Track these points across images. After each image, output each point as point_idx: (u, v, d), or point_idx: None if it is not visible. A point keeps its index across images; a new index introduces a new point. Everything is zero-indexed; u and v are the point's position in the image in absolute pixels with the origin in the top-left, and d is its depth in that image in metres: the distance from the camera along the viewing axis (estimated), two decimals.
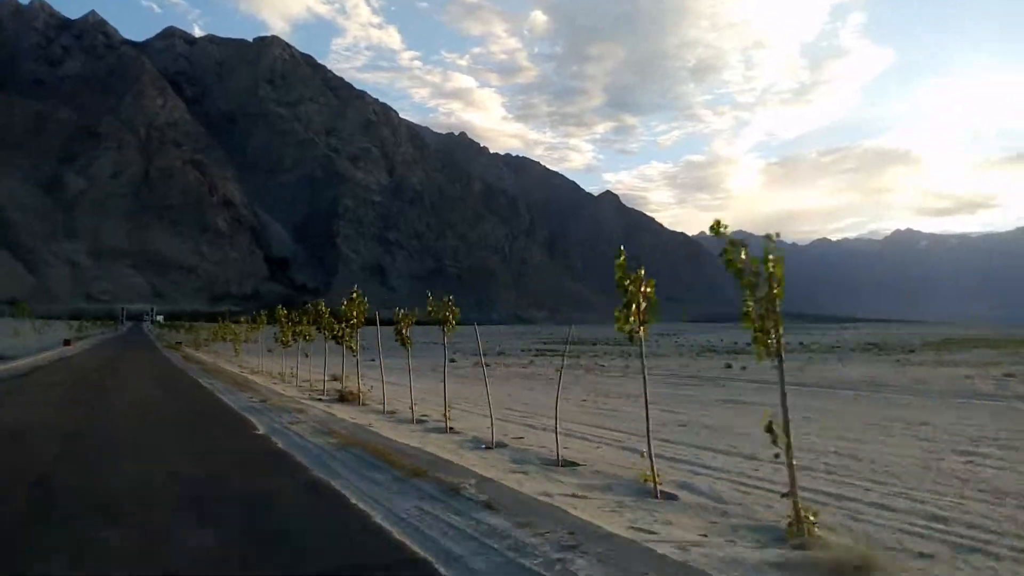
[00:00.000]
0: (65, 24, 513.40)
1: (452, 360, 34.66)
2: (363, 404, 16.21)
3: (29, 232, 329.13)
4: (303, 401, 16.68)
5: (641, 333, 7.53)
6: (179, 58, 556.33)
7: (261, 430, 12.11)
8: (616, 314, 7.60)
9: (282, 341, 23.59)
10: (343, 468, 8.76)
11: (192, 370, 29.28)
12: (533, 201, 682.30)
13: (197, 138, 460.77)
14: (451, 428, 11.99)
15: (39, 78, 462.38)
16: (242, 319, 39.17)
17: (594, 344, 75.37)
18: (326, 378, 21.08)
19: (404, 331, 13.58)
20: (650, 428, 7.71)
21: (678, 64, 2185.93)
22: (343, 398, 17.03)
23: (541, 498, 6.95)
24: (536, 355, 52.00)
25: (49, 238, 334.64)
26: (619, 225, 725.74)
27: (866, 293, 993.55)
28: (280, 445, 10.56)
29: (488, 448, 10.23)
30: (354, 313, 16.08)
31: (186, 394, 19.60)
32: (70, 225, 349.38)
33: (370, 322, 16.92)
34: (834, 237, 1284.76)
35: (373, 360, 22.92)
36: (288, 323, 23.54)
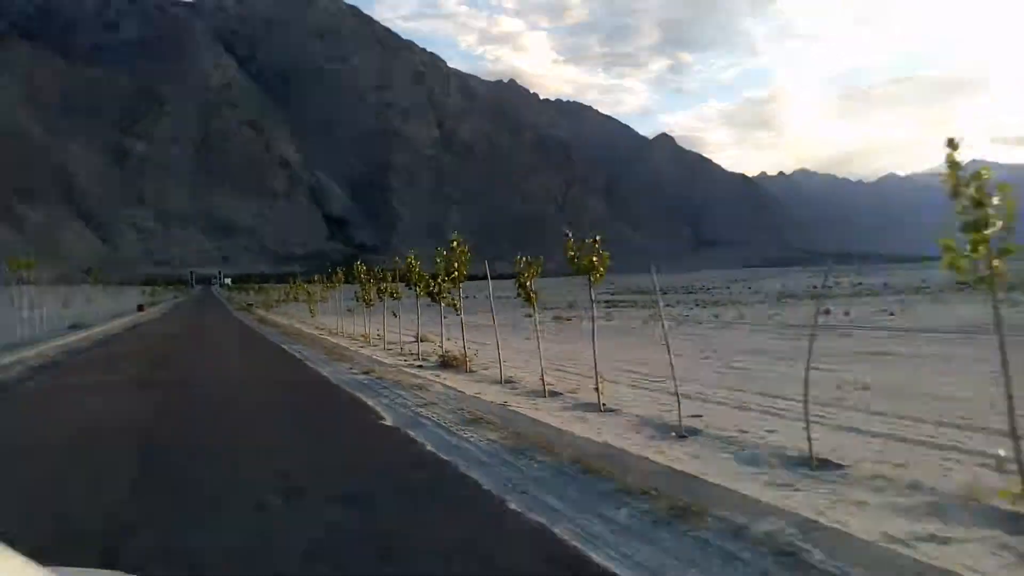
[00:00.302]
0: None
1: (528, 316, 31.59)
2: (469, 371, 14.00)
3: (99, 201, 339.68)
4: (410, 371, 14.51)
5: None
6: (230, 17, 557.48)
7: (388, 420, 9.47)
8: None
9: (364, 300, 21.36)
10: (557, 498, 5.69)
11: (272, 334, 27.89)
12: (587, 148, 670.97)
13: (251, 98, 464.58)
14: (604, 404, 9.40)
15: (97, 44, 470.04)
16: (315, 278, 35.40)
17: (664, 293, 72.47)
18: (418, 340, 19.45)
19: (528, 284, 11.79)
20: (809, 396, 6.43)
21: None
22: (446, 364, 14.89)
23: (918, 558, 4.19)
24: (609, 306, 47.43)
25: (118, 205, 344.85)
26: (676, 169, 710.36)
27: (938, 230, 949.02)
28: (429, 447, 7.76)
29: (681, 437, 7.55)
30: (455, 266, 14.32)
31: (278, 365, 17.73)
32: (136, 192, 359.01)
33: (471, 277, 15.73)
34: (902, 172, 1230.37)
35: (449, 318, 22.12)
36: (369, 281, 21.49)
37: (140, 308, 55.12)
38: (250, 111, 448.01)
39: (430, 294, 15.22)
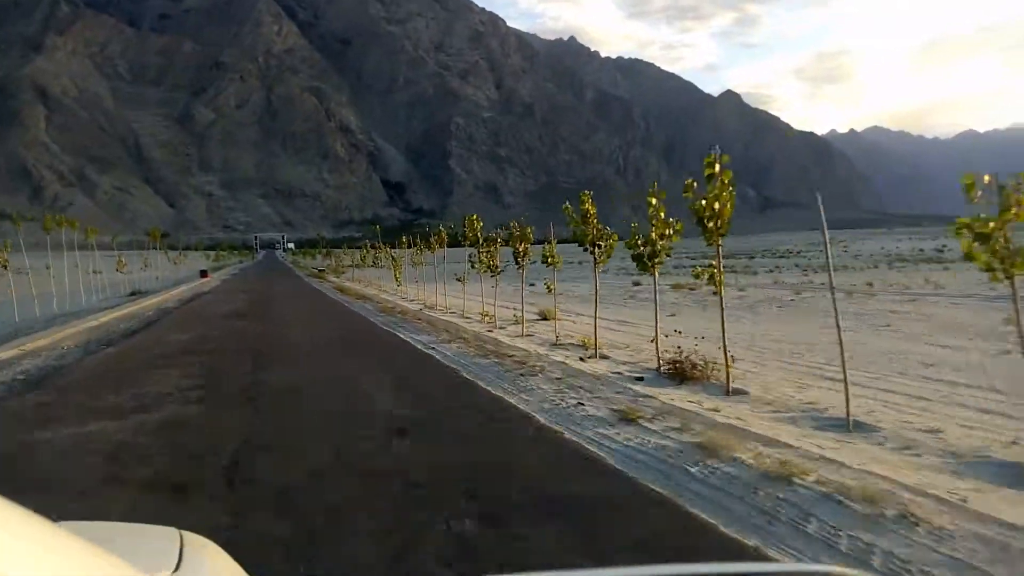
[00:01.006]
0: None
1: (636, 285, 30.56)
2: (733, 391, 8.14)
3: (167, 167, 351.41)
4: (604, 373, 9.50)
5: None
6: None
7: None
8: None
9: (488, 266, 17.38)
10: None
11: (365, 309, 21.88)
12: (648, 107, 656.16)
13: (313, 63, 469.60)
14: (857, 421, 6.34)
15: (164, 13, 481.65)
16: (403, 240, 31.03)
17: (751, 258, 69.06)
18: (545, 321, 15.88)
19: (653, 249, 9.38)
20: None
21: None
22: (679, 373, 9.03)
23: None
24: (663, 273, 45.80)
25: (185, 171, 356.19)
26: (742, 127, 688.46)
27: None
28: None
29: None
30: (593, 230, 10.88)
31: (407, 367, 11.22)
32: (203, 157, 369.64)
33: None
34: (982, 129, 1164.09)
35: (534, 285, 19.37)
36: (485, 245, 17.61)
37: (203, 274, 49.52)
38: (311, 77, 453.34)
39: (638, 258, 9.99)
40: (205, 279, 45.13)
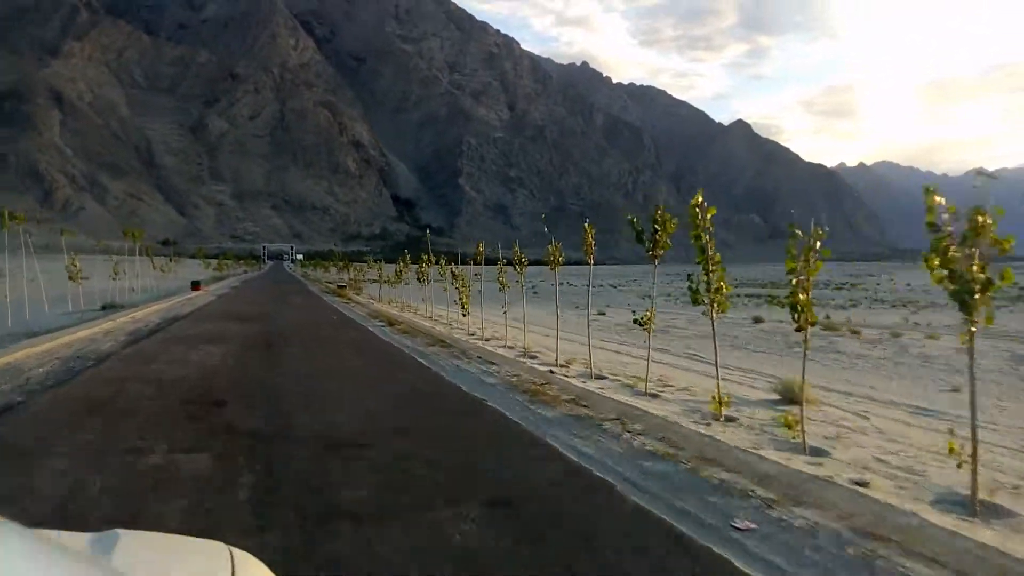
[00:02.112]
0: None
1: (597, 313, 28.63)
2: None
3: (179, 175, 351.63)
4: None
5: None
6: None
7: None
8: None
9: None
10: None
11: (441, 362, 12.92)
12: (658, 133, 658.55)
13: (327, 78, 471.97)
14: None
15: (182, 23, 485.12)
16: (425, 257, 25.23)
17: (763, 286, 66.93)
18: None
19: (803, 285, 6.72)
20: None
21: None
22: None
23: None
24: (746, 300, 41.89)
25: (196, 180, 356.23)
26: (751, 157, 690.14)
27: None
28: None
29: None
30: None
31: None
32: (214, 167, 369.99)
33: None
34: (991, 167, 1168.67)
35: (603, 315, 24.61)
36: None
37: (195, 286, 39.26)
38: (325, 91, 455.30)
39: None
40: (196, 292, 37.42)
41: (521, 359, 12.76)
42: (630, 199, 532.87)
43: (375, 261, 41.26)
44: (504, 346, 14.88)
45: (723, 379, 8.85)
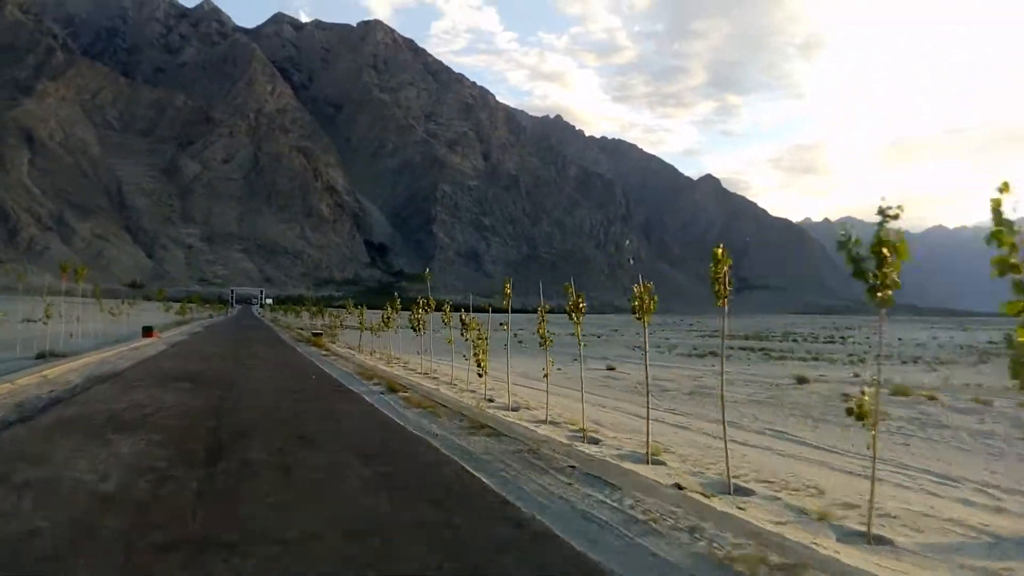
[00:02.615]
0: (183, 13, 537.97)
1: (607, 368, 26.55)
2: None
3: (148, 217, 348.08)
4: None
5: None
6: (287, 44, 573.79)
7: None
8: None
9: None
10: None
11: (524, 483, 7.32)
12: (630, 186, 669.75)
13: (303, 124, 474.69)
14: None
15: (159, 66, 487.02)
16: (393, 302, 26.55)
17: (746, 337, 66.27)
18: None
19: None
20: None
21: (785, 39, 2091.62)
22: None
23: None
24: (694, 355, 38.11)
25: (166, 222, 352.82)
26: (719, 211, 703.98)
27: (984, 286, 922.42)
28: None
29: None
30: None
31: None
32: (186, 209, 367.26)
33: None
34: (951, 225, 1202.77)
35: (609, 370, 24.94)
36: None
37: (147, 332, 34.66)
38: (301, 137, 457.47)
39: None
40: (148, 339, 32.85)
41: (587, 446, 9.42)
42: (601, 249, 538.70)
43: (356, 305, 37.36)
44: (546, 421, 11.78)
45: (876, 478, 6.44)
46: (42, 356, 19.78)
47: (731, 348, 44.89)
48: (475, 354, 14.83)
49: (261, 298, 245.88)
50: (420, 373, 21.27)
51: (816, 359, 36.79)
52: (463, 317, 16.80)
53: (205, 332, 46.62)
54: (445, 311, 20.32)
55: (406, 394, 14.81)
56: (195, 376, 17.19)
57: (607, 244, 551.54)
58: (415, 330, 22.98)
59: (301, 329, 56.39)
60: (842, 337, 69.49)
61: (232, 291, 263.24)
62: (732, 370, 25.71)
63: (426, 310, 22.26)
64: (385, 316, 27.42)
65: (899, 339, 66.04)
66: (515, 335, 60.58)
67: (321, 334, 41.11)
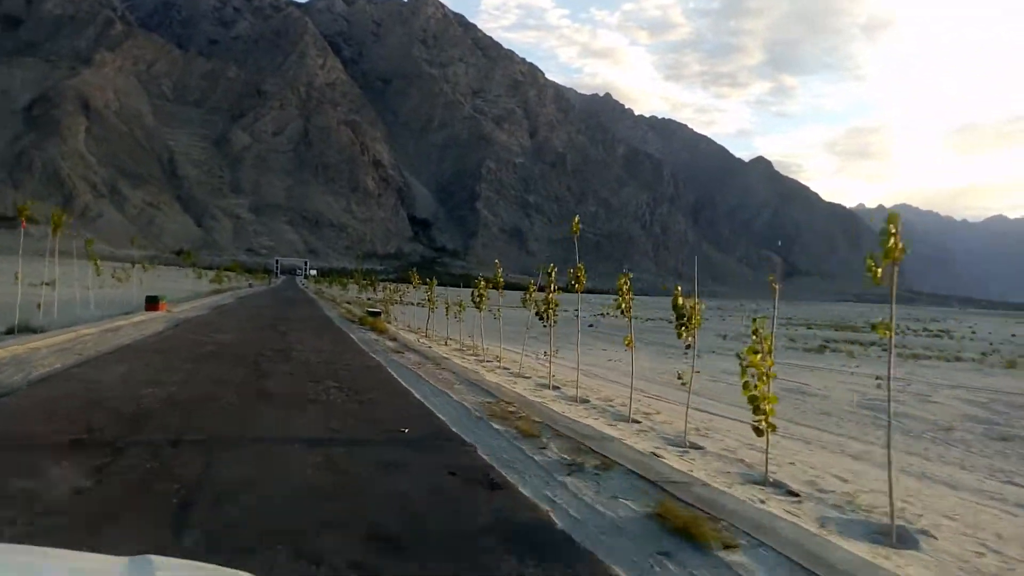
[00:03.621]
0: None
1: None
2: None
3: (199, 186, 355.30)
4: None
5: None
6: (338, 18, 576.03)
7: None
8: None
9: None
10: None
11: None
12: (678, 166, 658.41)
13: (352, 98, 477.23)
14: None
15: (213, 39, 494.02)
16: (532, 285, 16.81)
17: (835, 328, 58.59)
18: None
19: None
20: None
21: (848, 20, 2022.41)
22: None
23: None
24: (802, 348, 33.53)
25: (216, 193, 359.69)
26: (770, 194, 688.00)
27: None
28: None
29: None
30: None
31: None
32: (235, 180, 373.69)
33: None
34: (1012, 215, 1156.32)
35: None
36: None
37: (151, 304, 26.72)
38: (350, 111, 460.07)
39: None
40: (154, 312, 26.01)
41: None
42: (647, 230, 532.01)
43: (425, 280, 26.35)
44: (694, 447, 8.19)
45: None
46: (11, 332, 15.80)
47: (835, 341, 38.40)
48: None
49: (305, 269, 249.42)
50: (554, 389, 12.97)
51: (959, 358, 29.23)
52: (550, 299, 13.48)
53: (236, 305, 39.15)
54: (530, 292, 15.85)
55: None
56: (144, 419, 8.15)
57: (653, 225, 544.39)
58: (480, 309, 18.65)
59: (349, 303, 48.71)
60: (942, 330, 60.29)
61: (277, 261, 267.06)
62: (898, 373, 19.64)
63: (495, 289, 17.33)
64: (477, 294, 19.09)
65: (989, 333, 59.26)
66: (577, 316, 57.38)
67: (379, 313, 32.89)
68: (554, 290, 13.50)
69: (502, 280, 17.28)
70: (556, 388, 12.72)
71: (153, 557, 1.20)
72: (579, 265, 12.31)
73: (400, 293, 40.77)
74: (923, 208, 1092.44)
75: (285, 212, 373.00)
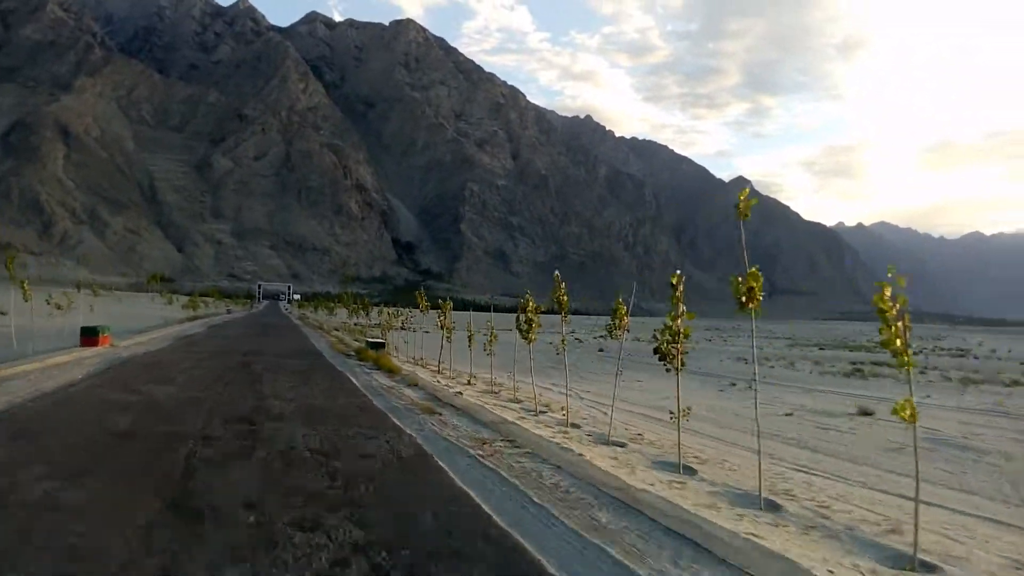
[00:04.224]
0: (219, 12, 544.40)
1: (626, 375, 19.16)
2: None
3: (180, 211, 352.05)
4: None
5: None
6: (320, 43, 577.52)
7: None
8: None
9: None
10: None
11: None
12: (660, 187, 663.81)
13: (335, 122, 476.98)
14: None
15: (193, 63, 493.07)
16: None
17: (848, 348, 55.35)
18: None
19: None
20: None
21: (823, 40, 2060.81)
22: None
23: None
24: (834, 373, 29.13)
25: (197, 218, 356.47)
26: (751, 213, 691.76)
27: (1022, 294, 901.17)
28: None
29: None
30: None
31: None
32: (216, 205, 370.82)
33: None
34: (988, 231, 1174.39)
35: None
36: None
37: (88, 339, 22.32)
38: (332, 134, 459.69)
39: None
40: (91, 347, 21.70)
41: None
42: (630, 251, 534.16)
43: (440, 300, 20.72)
44: None
45: None
46: None
47: (862, 363, 33.44)
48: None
49: (289, 294, 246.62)
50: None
51: (1018, 382, 25.43)
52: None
53: (204, 335, 34.52)
54: (563, 311, 11.58)
55: None
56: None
57: (637, 246, 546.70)
58: (529, 340, 12.89)
59: (337, 330, 43.50)
60: (961, 349, 56.85)
61: (259, 285, 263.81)
62: (969, 402, 17.27)
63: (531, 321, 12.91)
64: (526, 320, 13.01)
65: (1008, 351, 57.32)
66: (576, 338, 54.67)
67: (382, 344, 27.12)
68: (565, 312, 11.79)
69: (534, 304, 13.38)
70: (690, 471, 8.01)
71: None
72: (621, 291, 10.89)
73: (402, 318, 34.78)
74: (901, 225, 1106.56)
75: (268, 237, 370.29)
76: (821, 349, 53.89)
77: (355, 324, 46.16)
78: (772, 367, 31.58)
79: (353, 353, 25.49)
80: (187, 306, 65.97)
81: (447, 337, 19.65)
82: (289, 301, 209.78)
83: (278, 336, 38.79)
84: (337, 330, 45.19)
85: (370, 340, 28.57)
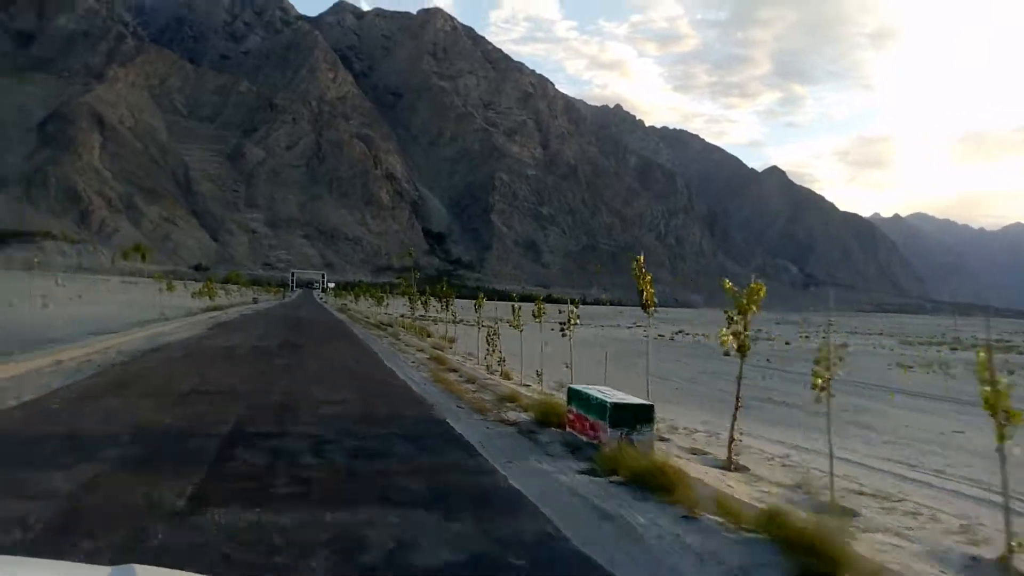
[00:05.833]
0: (248, 1, 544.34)
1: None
2: None
3: (214, 201, 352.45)
4: None
5: None
6: (348, 32, 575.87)
7: None
8: None
9: None
10: None
11: None
12: (691, 177, 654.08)
13: (364, 112, 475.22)
14: None
15: (224, 53, 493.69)
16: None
17: (940, 343, 51.97)
18: None
19: None
20: None
21: (855, 29, 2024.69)
22: None
23: None
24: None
25: (231, 207, 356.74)
26: (785, 204, 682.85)
27: None
28: None
29: None
30: None
31: None
32: (249, 195, 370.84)
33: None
34: None
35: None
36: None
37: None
38: (362, 124, 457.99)
39: None
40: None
41: None
42: (662, 241, 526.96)
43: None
44: None
45: None
46: None
47: (951, 363, 31.17)
48: None
49: (323, 282, 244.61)
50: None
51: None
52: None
53: (194, 342, 23.17)
54: (648, 304, 10.29)
55: None
56: None
57: (668, 236, 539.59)
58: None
59: (383, 325, 36.21)
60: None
61: (293, 274, 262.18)
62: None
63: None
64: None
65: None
66: (659, 334, 48.52)
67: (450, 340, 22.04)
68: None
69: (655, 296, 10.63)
70: None
71: (136, 567, 1.22)
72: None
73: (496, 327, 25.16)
74: (939, 217, 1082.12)
75: (300, 226, 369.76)
76: (953, 350, 46.74)
77: (416, 318, 37.11)
78: (951, 377, 25.82)
79: (428, 365, 16.87)
80: (198, 294, 51.51)
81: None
82: (323, 290, 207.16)
83: (317, 337, 28.50)
84: (385, 323, 37.85)
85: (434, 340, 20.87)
